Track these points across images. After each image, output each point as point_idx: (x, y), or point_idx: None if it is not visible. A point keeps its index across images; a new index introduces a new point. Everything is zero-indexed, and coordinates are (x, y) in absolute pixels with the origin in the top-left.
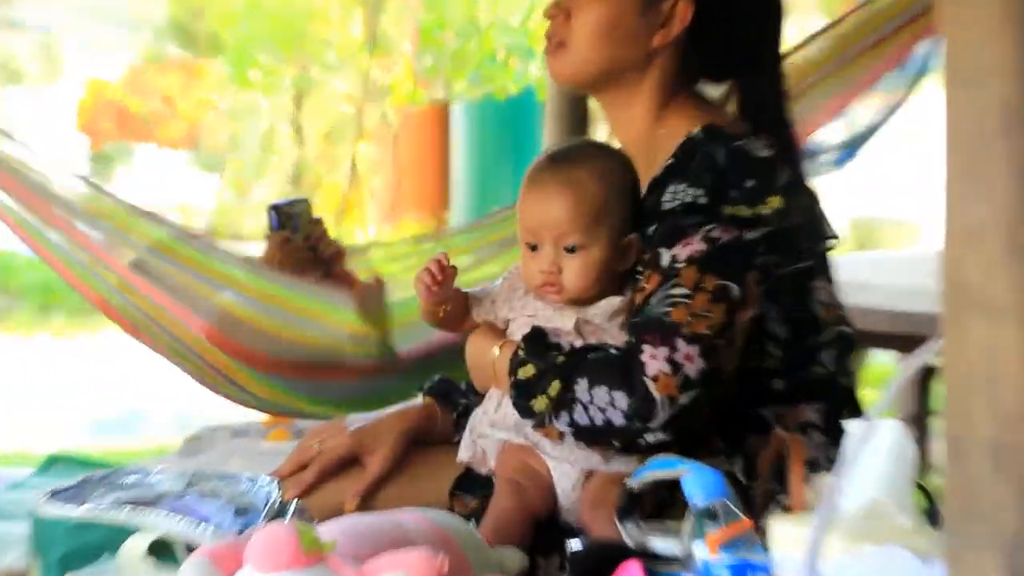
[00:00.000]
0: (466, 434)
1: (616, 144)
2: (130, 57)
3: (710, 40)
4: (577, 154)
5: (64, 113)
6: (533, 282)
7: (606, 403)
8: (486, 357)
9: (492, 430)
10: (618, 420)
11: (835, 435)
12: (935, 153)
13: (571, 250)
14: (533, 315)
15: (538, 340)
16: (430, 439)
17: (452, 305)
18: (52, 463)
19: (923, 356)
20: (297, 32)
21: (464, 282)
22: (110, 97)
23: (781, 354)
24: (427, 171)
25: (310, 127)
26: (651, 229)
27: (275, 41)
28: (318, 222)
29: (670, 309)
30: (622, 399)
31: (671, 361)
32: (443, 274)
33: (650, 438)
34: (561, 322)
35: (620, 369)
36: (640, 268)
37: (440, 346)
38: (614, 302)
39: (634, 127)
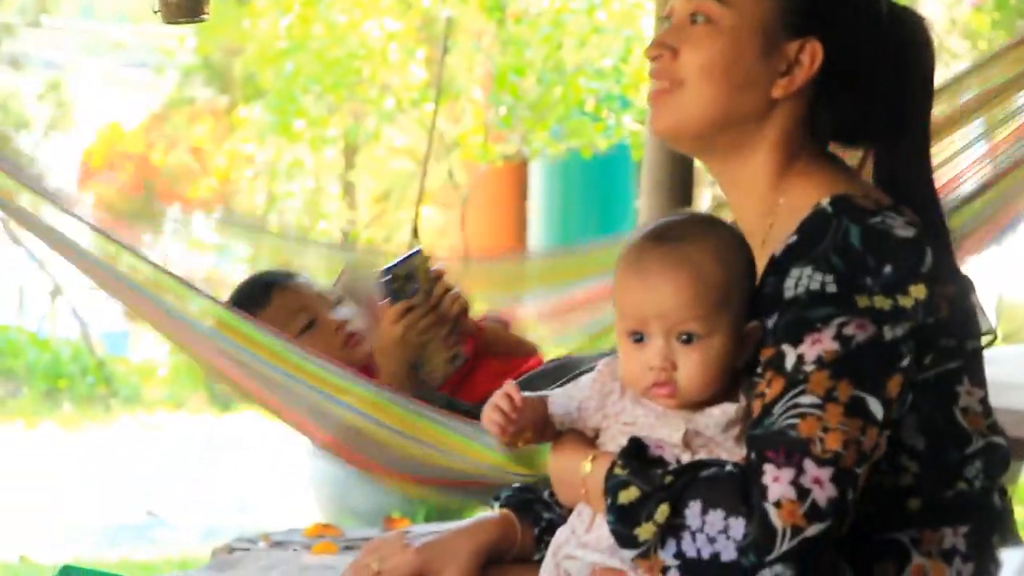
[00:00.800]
0: (549, 556)
1: (726, 216)
2: (152, 101)
3: (843, 93)
4: (686, 229)
5: (70, 165)
6: (640, 382)
7: (718, 531)
8: (575, 473)
9: (583, 552)
10: (729, 552)
11: (984, 563)
12: None
13: (687, 340)
14: (632, 423)
15: (639, 455)
16: (507, 557)
17: (532, 430)
18: (65, 575)
19: None
20: (349, 75)
21: None
22: (125, 147)
23: (918, 470)
24: (501, 239)
25: (363, 187)
26: (770, 321)
27: (323, 85)
28: (439, 275)
29: (797, 421)
30: (738, 527)
31: (797, 485)
32: (515, 410)
33: (767, 574)
34: (667, 432)
35: (739, 491)
36: (759, 370)
37: None
38: (729, 410)
39: (751, 193)
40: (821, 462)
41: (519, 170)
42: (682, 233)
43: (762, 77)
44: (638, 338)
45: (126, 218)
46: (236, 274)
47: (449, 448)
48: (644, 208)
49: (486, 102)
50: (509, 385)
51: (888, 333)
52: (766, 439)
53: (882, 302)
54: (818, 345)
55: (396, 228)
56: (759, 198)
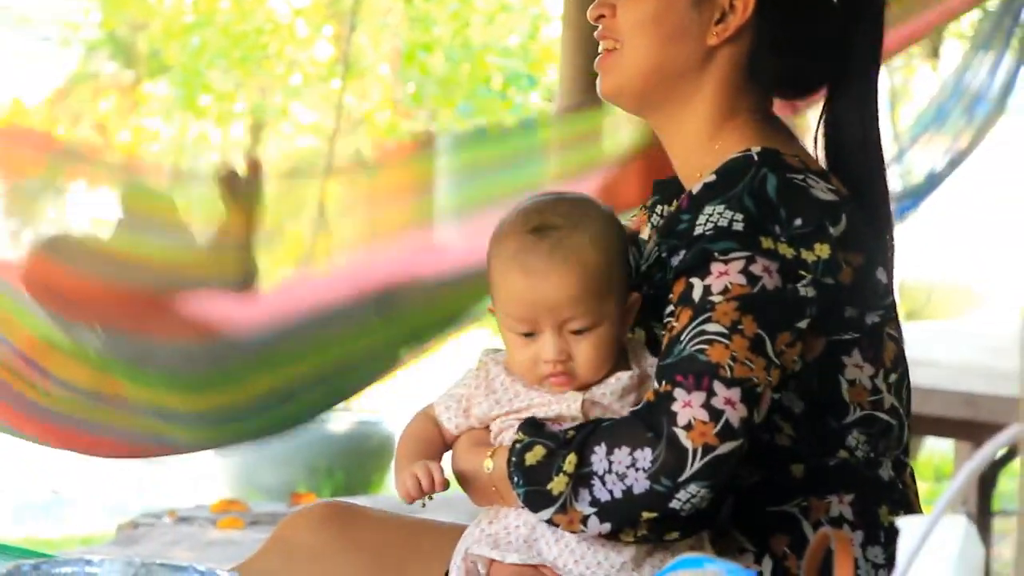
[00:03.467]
0: (456, 557)
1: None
2: (56, 76)
3: (780, 37)
4: (563, 219)
5: None
6: (533, 374)
7: (627, 467)
8: (481, 474)
9: (497, 553)
10: (641, 484)
11: (871, 531)
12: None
13: (579, 332)
14: (527, 406)
15: (538, 426)
16: None
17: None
18: None
19: (999, 444)
20: (256, 50)
21: None
22: (28, 123)
23: (793, 432)
24: (407, 216)
25: (269, 162)
26: (678, 257)
27: (230, 60)
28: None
29: (706, 347)
30: (644, 457)
31: (709, 407)
32: (435, 488)
33: (683, 496)
34: (564, 407)
35: (643, 424)
36: (669, 307)
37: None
38: (623, 377)
39: (691, 144)
40: (730, 383)
41: (427, 147)
42: (561, 223)
43: (695, 26)
44: (528, 333)
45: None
46: None
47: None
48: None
49: (394, 79)
50: (432, 465)
51: (801, 290)
52: (676, 366)
53: (785, 250)
54: (724, 277)
55: (303, 204)
56: (699, 147)
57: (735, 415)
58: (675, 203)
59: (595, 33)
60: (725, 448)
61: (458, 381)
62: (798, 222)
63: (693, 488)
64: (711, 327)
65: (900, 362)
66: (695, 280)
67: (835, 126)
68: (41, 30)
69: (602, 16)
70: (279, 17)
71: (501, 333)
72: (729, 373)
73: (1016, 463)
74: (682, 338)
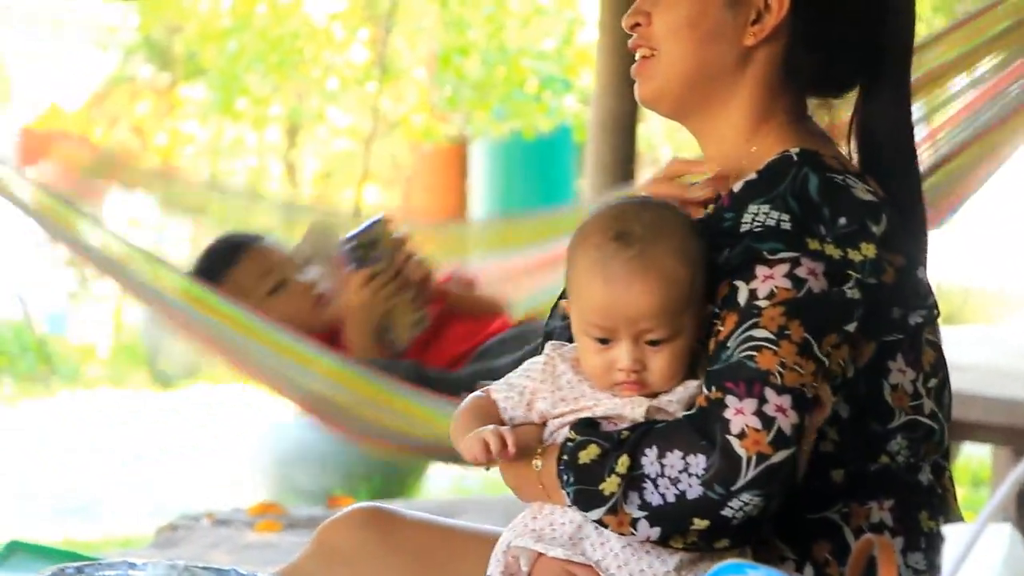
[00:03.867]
0: (497, 551)
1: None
2: (93, 79)
3: (817, 36)
4: (648, 227)
5: (8, 143)
6: (606, 379)
7: (679, 471)
8: (530, 473)
9: (542, 545)
10: (694, 489)
11: (911, 537)
12: None
13: (655, 343)
14: (592, 406)
15: (592, 425)
16: None
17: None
18: (12, 551)
19: None
20: (292, 54)
21: None
22: (66, 127)
23: (838, 437)
24: (442, 219)
25: (306, 166)
26: (724, 255)
27: (266, 64)
28: (402, 241)
29: (754, 353)
30: (698, 463)
31: (761, 414)
32: (503, 455)
33: (736, 505)
34: (630, 411)
35: (697, 429)
36: (716, 309)
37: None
38: (691, 386)
39: (728, 145)
40: (781, 390)
41: (462, 150)
42: (644, 233)
43: (732, 27)
44: (603, 340)
45: (69, 195)
46: (178, 252)
47: (417, 419)
48: (588, 189)
49: (430, 82)
50: (505, 430)
51: (847, 292)
52: (725, 372)
53: (832, 250)
54: (770, 281)
55: (340, 207)
56: (735, 149)
57: (787, 422)
58: (711, 206)
59: (629, 42)
60: (779, 456)
61: (520, 371)
62: (842, 221)
63: (746, 496)
64: (758, 332)
65: (940, 367)
66: (740, 283)
67: (868, 127)
68: (79, 34)
69: (637, 24)
70: (315, 21)
71: (575, 333)
72: (780, 380)
73: None
74: (729, 344)
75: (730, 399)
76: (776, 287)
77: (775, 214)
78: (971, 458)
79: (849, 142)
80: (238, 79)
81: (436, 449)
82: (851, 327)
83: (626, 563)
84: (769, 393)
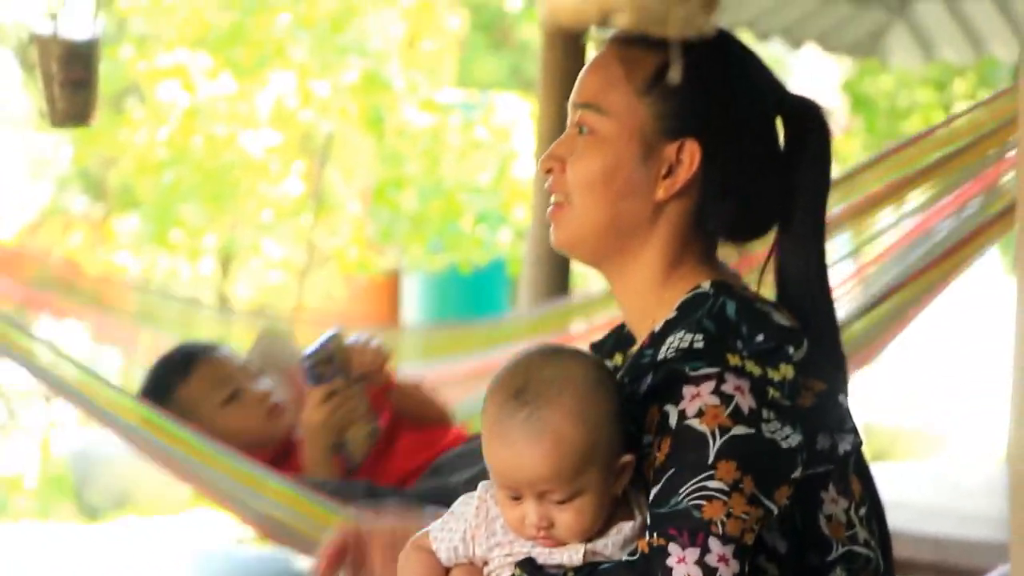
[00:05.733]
0: None
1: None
2: (28, 211)
3: (727, 189)
4: (544, 384)
5: None
6: (522, 532)
7: None
8: None
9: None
10: None
11: None
12: (962, 351)
13: (560, 502)
14: (528, 551)
15: (536, 566)
16: None
17: None
18: None
19: None
20: (228, 186)
21: None
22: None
23: (779, 573)
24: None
25: (239, 297)
26: (645, 383)
27: (201, 196)
28: (360, 351)
29: (703, 503)
30: None
31: (703, 564)
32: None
33: None
34: (566, 558)
35: (639, 574)
36: (648, 437)
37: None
38: (625, 529)
39: (642, 293)
40: (725, 540)
41: (396, 283)
42: (540, 390)
43: (644, 182)
44: (514, 496)
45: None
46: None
47: None
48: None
49: (365, 215)
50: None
51: (791, 439)
52: (670, 519)
53: (752, 367)
54: (697, 400)
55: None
56: (649, 295)
57: (727, 572)
58: (629, 352)
59: (545, 185)
60: None
61: (455, 513)
62: (760, 338)
63: None
64: (713, 484)
65: (868, 494)
66: (669, 407)
67: (783, 265)
68: (12, 165)
69: (551, 170)
70: (251, 153)
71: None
72: (722, 529)
73: None
74: (681, 491)
75: (672, 547)
76: (704, 405)
77: (689, 336)
78: None
79: (761, 276)
80: (172, 210)
81: None
82: (797, 473)
83: None
84: (713, 543)
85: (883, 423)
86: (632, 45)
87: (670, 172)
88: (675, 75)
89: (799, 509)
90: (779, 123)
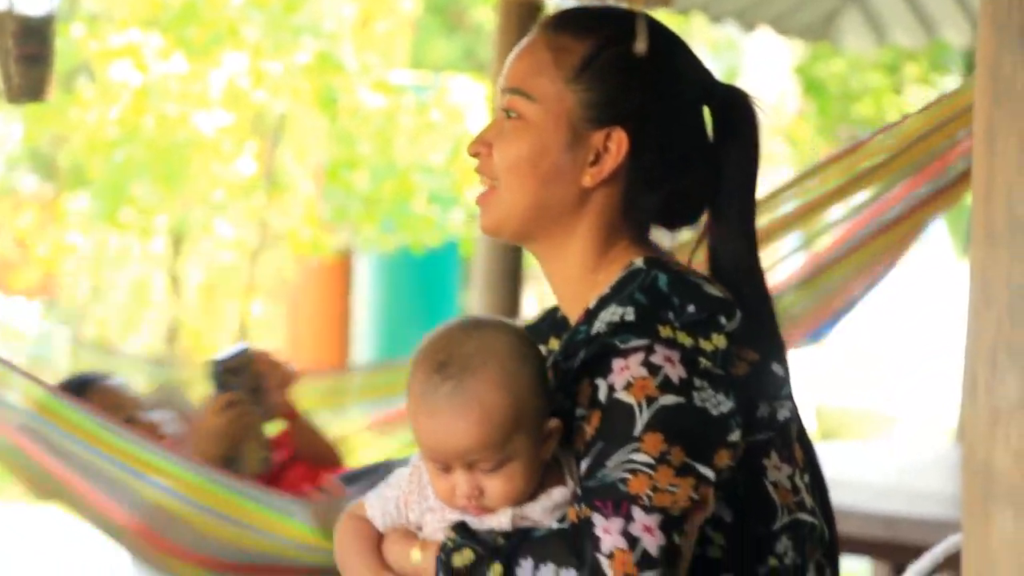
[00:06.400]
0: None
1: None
2: None
3: (656, 177)
4: (468, 356)
5: None
6: (452, 502)
7: None
8: (405, 562)
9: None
10: None
11: None
12: (915, 330)
13: (489, 470)
14: (459, 517)
15: (469, 529)
16: None
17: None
18: None
19: (936, 557)
20: (180, 165)
21: None
22: None
23: (724, 542)
24: (328, 332)
25: (191, 277)
26: (578, 357)
27: (153, 175)
28: (268, 368)
29: (628, 476)
30: None
31: (627, 534)
32: None
33: None
34: (495, 521)
35: (569, 545)
36: (581, 411)
37: None
38: (555, 495)
39: (571, 276)
40: (650, 510)
41: (348, 264)
42: (463, 362)
43: (570, 168)
44: (443, 468)
45: None
46: (57, 363)
47: (266, 527)
48: (474, 303)
49: (317, 195)
50: None
51: (722, 406)
52: (597, 491)
53: (684, 338)
54: (626, 372)
55: (224, 320)
56: (580, 278)
57: (653, 543)
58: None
59: (474, 168)
60: None
61: (390, 482)
62: (691, 309)
63: None
64: (639, 456)
65: (810, 463)
66: (599, 381)
67: (715, 249)
68: None
69: (479, 153)
70: (203, 133)
71: (422, 457)
72: (648, 502)
73: None
74: (607, 464)
75: (597, 518)
76: (633, 377)
77: (620, 310)
78: (850, 574)
79: (691, 257)
80: (124, 189)
81: (274, 567)
82: (735, 436)
83: None
84: (637, 513)
85: (834, 403)
86: (562, 32)
87: (597, 160)
88: (641, 46)
89: (742, 477)
90: (707, 112)
